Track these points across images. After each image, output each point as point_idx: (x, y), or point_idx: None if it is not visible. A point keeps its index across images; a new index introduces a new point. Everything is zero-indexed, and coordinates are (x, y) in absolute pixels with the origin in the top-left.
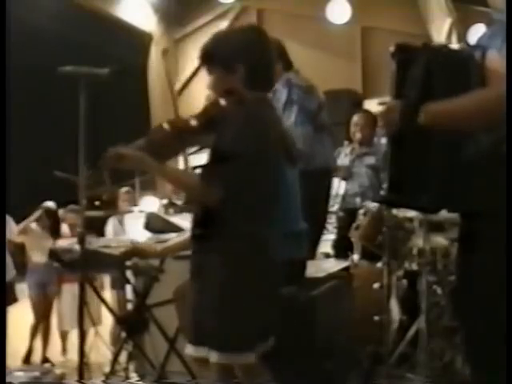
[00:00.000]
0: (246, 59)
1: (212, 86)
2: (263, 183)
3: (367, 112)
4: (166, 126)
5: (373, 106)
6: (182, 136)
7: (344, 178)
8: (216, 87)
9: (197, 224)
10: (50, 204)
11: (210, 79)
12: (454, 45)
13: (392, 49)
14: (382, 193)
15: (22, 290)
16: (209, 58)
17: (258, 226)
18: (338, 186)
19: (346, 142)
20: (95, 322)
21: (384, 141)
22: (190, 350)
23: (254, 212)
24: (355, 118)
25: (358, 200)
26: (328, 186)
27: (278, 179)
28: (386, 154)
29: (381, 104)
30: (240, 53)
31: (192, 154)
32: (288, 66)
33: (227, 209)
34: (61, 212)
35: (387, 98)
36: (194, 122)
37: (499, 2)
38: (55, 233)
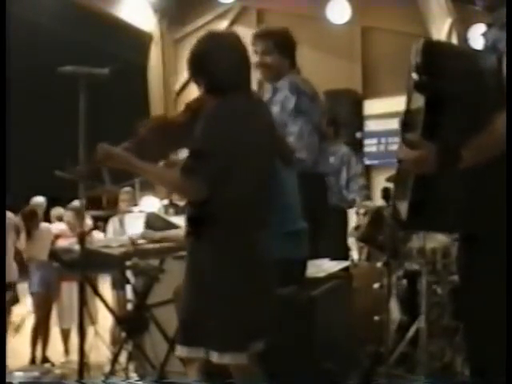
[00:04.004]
0: (205, 66)
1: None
2: (244, 183)
3: None
4: (149, 124)
5: (373, 105)
6: (167, 134)
7: None
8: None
9: (188, 223)
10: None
11: None
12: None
13: (416, 77)
14: (398, 216)
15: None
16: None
17: (245, 226)
18: None
19: None
20: (94, 321)
21: (346, 149)
22: (183, 351)
23: (239, 211)
24: None
25: None
26: (326, 191)
27: (265, 179)
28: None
29: (406, 143)
30: (199, 61)
31: None
32: (293, 64)
33: (211, 208)
34: (62, 211)
35: (388, 100)
36: (177, 120)
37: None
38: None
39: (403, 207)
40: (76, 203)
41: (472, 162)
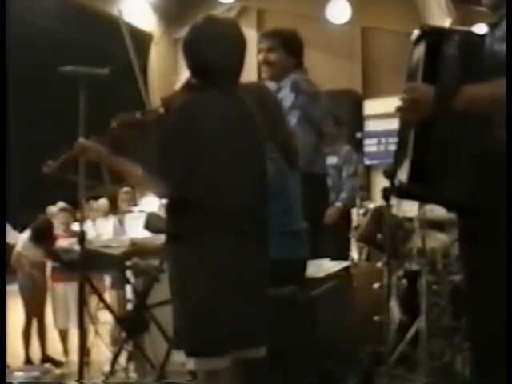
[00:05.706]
0: (189, 52)
1: None
2: (214, 182)
3: None
4: (115, 122)
5: (373, 105)
6: (139, 129)
7: None
8: None
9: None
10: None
11: None
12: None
13: (418, 32)
14: (398, 182)
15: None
16: None
17: (217, 225)
18: None
19: None
20: (94, 321)
21: (348, 148)
22: (174, 354)
23: (208, 210)
24: None
25: None
26: (326, 191)
27: (248, 179)
28: (404, 140)
29: (405, 91)
30: (185, 45)
31: None
32: (299, 63)
33: (180, 207)
34: (53, 209)
35: (388, 100)
36: (150, 115)
37: None
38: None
39: (404, 172)
40: (63, 204)
41: (468, 106)
